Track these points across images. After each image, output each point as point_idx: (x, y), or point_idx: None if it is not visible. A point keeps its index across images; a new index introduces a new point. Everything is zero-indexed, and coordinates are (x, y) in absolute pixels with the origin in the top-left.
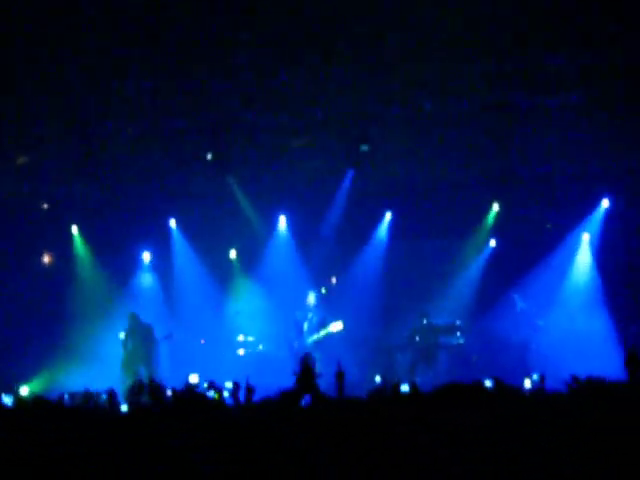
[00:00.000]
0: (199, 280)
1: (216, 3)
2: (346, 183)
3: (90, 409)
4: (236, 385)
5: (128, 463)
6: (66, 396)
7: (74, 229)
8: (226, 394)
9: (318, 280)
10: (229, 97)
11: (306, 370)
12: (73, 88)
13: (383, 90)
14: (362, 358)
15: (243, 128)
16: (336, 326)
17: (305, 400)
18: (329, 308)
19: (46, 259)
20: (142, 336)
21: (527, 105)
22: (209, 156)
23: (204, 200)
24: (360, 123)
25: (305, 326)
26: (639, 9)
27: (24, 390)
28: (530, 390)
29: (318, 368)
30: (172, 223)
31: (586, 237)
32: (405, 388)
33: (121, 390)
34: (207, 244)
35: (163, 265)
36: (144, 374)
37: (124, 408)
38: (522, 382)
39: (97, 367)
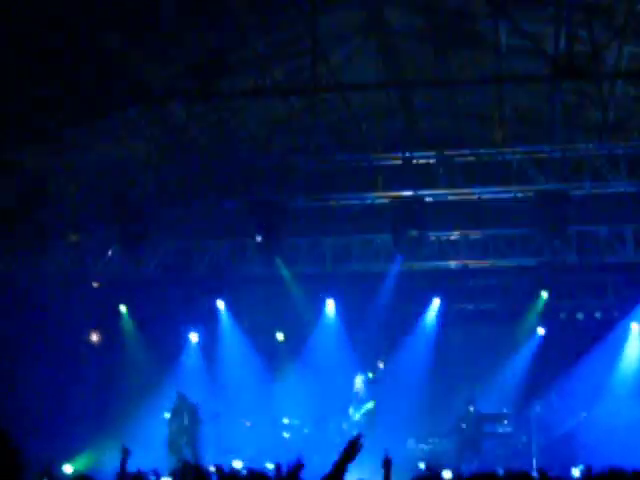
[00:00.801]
0: (246, 361)
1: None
2: (395, 267)
3: None
4: (278, 467)
5: None
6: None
7: (123, 308)
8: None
9: (366, 364)
10: (279, 179)
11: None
12: (125, 167)
13: (433, 176)
14: (409, 445)
15: (293, 210)
16: (367, 406)
17: None
18: (376, 392)
19: (94, 337)
20: (188, 416)
21: (579, 193)
22: (259, 238)
23: (253, 282)
24: (412, 208)
25: (351, 410)
26: None
27: (67, 469)
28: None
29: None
30: (220, 304)
31: (635, 327)
32: (447, 475)
33: (165, 469)
34: (255, 326)
35: (210, 346)
36: (188, 454)
37: None
38: (569, 472)
39: (142, 446)
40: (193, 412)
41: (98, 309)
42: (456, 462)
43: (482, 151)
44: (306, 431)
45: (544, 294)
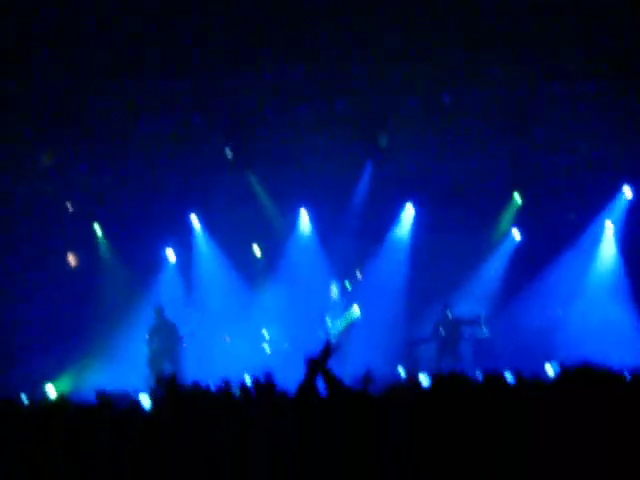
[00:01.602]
0: (222, 276)
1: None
2: (366, 175)
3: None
4: (256, 381)
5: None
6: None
7: (97, 228)
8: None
9: (342, 274)
10: (248, 92)
11: (323, 354)
12: (94, 87)
13: (403, 81)
14: (386, 351)
15: (262, 123)
16: (353, 313)
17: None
18: (354, 302)
19: (70, 259)
20: (167, 333)
21: (548, 93)
22: (229, 152)
23: (225, 196)
24: (380, 115)
25: (328, 320)
26: None
27: (49, 388)
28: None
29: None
30: (194, 219)
31: (610, 226)
32: (425, 381)
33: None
34: (229, 240)
35: (186, 262)
36: (169, 372)
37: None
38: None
39: (123, 365)
40: (172, 329)
41: (72, 230)
42: (435, 367)
43: None
44: (286, 345)
45: (517, 197)
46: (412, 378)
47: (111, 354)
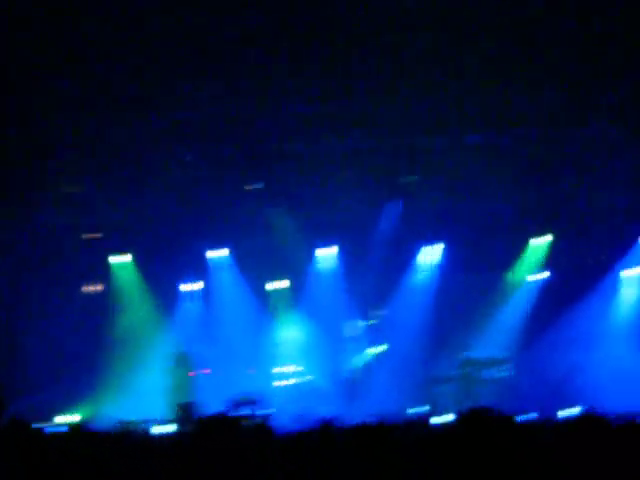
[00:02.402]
0: (245, 311)
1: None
2: (393, 214)
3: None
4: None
5: None
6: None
7: (116, 259)
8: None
9: (366, 311)
10: (275, 126)
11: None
12: (116, 115)
13: (432, 119)
14: (405, 390)
15: (290, 157)
16: (379, 348)
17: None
18: (377, 339)
19: (91, 288)
20: (185, 367)
21: (580, 136)
22: (256, 185)
23: (250, 230)
24: (408, 153)
25: (349, 356)
26: None
27: (62, 419)
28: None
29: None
30: (216, 253)
31: (628, 273)
32: (436, 420)
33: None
34: (254, 275)
35: (209, 296)
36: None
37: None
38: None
39: (141, 397)
40: (189, 362)
41: (97, 260)
42: (453, 408)
43: None
44: (309, 377)
45: (539, 239)
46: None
47: (129, 386)
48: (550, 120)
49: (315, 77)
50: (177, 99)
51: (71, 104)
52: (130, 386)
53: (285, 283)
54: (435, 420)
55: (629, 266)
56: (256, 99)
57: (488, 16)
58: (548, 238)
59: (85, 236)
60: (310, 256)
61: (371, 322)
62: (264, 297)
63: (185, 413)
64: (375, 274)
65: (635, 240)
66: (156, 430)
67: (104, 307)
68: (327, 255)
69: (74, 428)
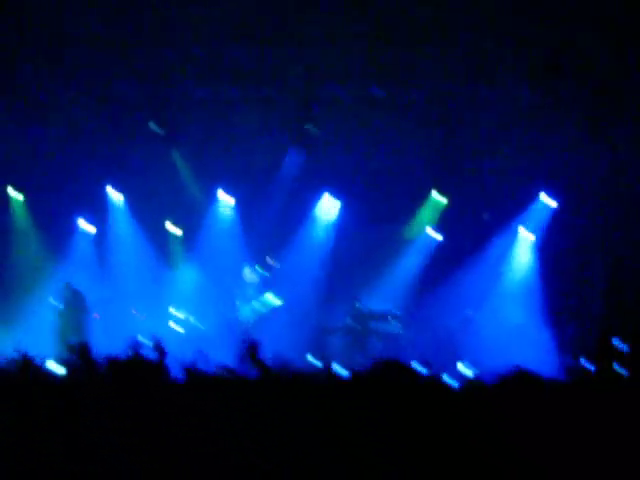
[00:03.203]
0: (136, 250)
1: None
2: (290, 161)
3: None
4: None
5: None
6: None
7: (11, 191)
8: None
9: (260, 259)
10: (179, 68)
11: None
12: (16, 50)
13: (334, 71)
14: (297, 339)
15: (189, 101)
16: (271, 301)
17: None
18: (271, 288)
19: None
20: (75, 306)
21: (477, 96)
22: (153, 127)
23: (146, 170)
24: (309, 102)
25: (239, 302)
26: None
27: None
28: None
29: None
30: (112, 191)
31: (527, 233)
32: (341, 371)
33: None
34: (147, 215)
35: (101, 234)
36: (77, 342)
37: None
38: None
39: (29, 333)
40: (81, 301)
41: None
42: (343, 359)
43: None
44: (193, 321)
45: (437, 195)
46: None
47: (17, 321)
48: (455, 78)
49: (221, 21)
50: (78, 34)
51: None
52: (19, 323)
53: (176, 229)
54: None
55: (525, 226)
56: (162, 43)
57: None
58: (441, 197)
59: None
60: (208, 200)
61: (261, 269)
62: (161, 240)
63: (76, 354)
64: (272, 223)
65: (532, 200)
66: (50, 366)
67: None
68: (226, 201)
69: None
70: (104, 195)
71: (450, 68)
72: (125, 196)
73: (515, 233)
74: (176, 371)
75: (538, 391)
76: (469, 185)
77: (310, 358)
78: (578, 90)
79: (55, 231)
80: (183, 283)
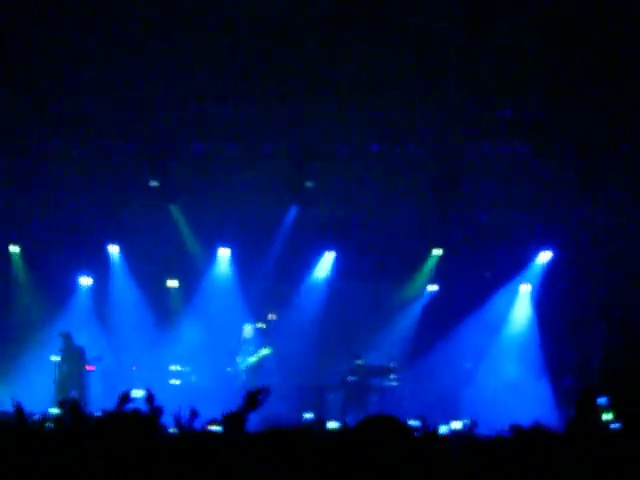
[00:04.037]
0: (136, 307)
1: (172, 37)
2: (289, 219)
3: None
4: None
5: None
6: None
7: (13, 248)
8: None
9: (257, 315)
10: (177, 124)
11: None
12: (15, 103)
13: (332, 128)
14: (293, 395)
15: (189, 157)
16: (264, 350)
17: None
18: (266, 343)
19: None
20: (74, 359)
21: (473, 153)
22: (153, 183)
23: (146, 227)
24: (307, 159)
25: (239, 359)
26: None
27: None
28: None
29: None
30: (111, 248)
31: (526, 288)
32: (333, 425)
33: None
34: (146, 272)
35: (101, 290)
36: (75, 396)
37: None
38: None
39: (29, 388)
40: (80, 355)
41: None
42: (341, 414)
43: None
44: (194, 379)
45: (436, 252)
46: (321, 422)
47: (17, 376)
48: (453, 134)
49: (218, 78)
50: (78, 90)
51: None
52: (18, 378)
53: (175, 283)
54: (330, 425)
55: (524, 282)
56: (158, 97)
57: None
58: (440, 251)
59: None
60: (206, 255)
61: (262, 326)
62: (159, 294)
63: (68, 409)
64: (269, 278)
65: (532, 257)
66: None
67: None
68: (223, 256)
69: None
70: (104, 250)
71: (447, 124)
72: (124, 251)
73: (513, 288)
74: (170, 425)
75: (535, 443)
76: (467, 240)
77: (307, 415)
78: (571, 147)
79: (55, 286)
80: (182, 338)
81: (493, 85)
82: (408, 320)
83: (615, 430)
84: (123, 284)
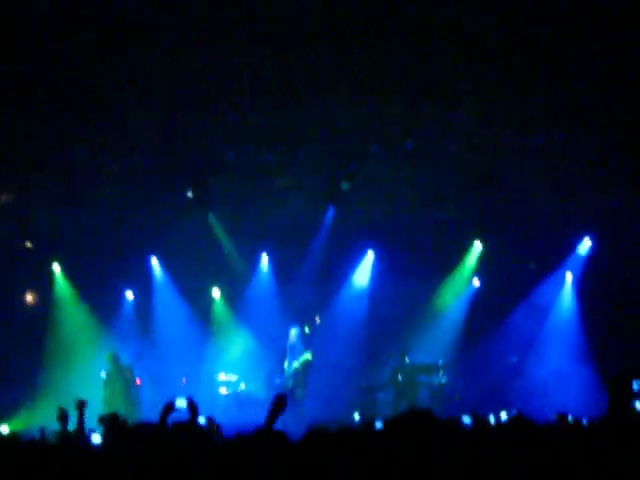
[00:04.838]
0: (181, 318)
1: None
2: (327, 221)
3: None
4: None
5: None
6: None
7: (56, 267)
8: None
9: (301, 319)
10: (212, 135)
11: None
12: (59, 123)
13: (367, 128)
14: (343, 397)
15: (225, 166)
16: (306, 356)
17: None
18: (312, 347)
19: (28, 298)
20: (123, 377)
21: (510, 144)
22: (190, 193)
23: (186, 238)
24: (342, 161)
25: (286, 363)
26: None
27: (4, 428)
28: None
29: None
30: (154, 261)
31: (569, 276)
32: (379, 425)
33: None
34: (189, 282)
35: (145, 304)
36: (125, 414)
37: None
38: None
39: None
40: (128, 373)
41: (31, 269)
42: (392, 413)
43: None
44: (242, 387)
45: (478, 245)
46: (367, 422)
47: (67, 395)
48: (491, 127)
49: (251, 85)
50: (111, 110)
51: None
52: (70, 396)
53: (218, 293)
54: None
55: (565, 272)
56: (196, 110)
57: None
58: (481, 245)
59: (27, 244)
60: (248, 263)
61: (308, 329)
62: (203, 304)
63: (109, 425)
64: (311, 282)
65: (574, 245)
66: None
67: (41, 316)
68: (264, 262)
69: (3, 439)
70: (148, 265)
71: (483, 117)
72: (165, 263)
73: (557, 277)
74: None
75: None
76: (511, 233)
77: (357, 415)
78: (610, 134)
79: (99, 301)
80: (228, 347)
81: (528, 74)
82: (453, 316)
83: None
84: (166, 296)
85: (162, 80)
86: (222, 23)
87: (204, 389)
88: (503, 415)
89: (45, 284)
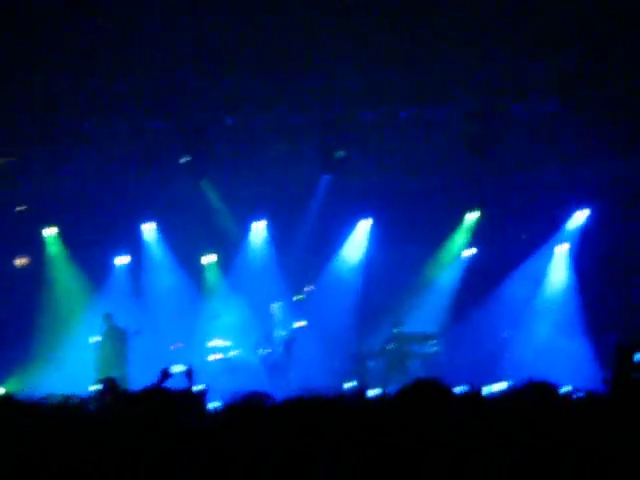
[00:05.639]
0: (173, 284)
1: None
2: (322, 189)
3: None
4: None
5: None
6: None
7: (47, 231)
8: None
9: (294, 287)
10: (206, 100)
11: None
12: (49, 87)
13: (361, 95)
14: (335, 366)
15: (220, 132)
16: (300, 324)
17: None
18: (305, 314)
19: (19, 261)
20: (115, 339)
21: (505, 112)
22: (184, 159)
23: (179, 204)
24: (337, 128)
25: (276, 332)
26: (619, 19)
27: None
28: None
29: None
30: (146, 225)
31: (563, 248)
32: (374, 393)
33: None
34: (182, 248)
35: (137, 269)
36: (117, 377)
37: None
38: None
39: (70, 369)
40: (121, 336)
41: (22, 233)
42: (383, 383)
43: None
44: (232, 353)
45: (472, 215)
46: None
47: (59, 358)
48: (485, 95)
49: (245, 51)
50: (106, 71)
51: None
52: (59, 359)
53: (213, 257)
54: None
55: (560, 243)
56: (186, 73)
57: None
58: (477, 214)
59: (17, 209)
60: (241, 230)
61: (300, 297)
62: (196, 271)
63: (106, 388)
64: (305, 249)
65: (569, 216)
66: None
67: (33, 280)
68: (258, 229)
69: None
70: (139, 229)
71: (478, 84)
72: (159, 229)
73: (551, 249)
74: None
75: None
76: (505, 203)
77: (349, 384)
78: (606, 103)
79: (91, 265)
80: (221, 314)
81: (525, 41)
82: (446, 285)
83: None
84: (158, 261)
85: (158, 40)
86: None
87: (194, 355)
88: (499, 386)
89: (36, 248)
